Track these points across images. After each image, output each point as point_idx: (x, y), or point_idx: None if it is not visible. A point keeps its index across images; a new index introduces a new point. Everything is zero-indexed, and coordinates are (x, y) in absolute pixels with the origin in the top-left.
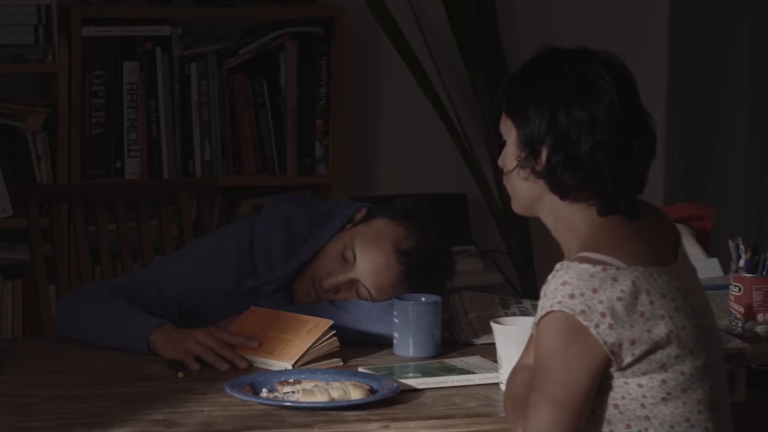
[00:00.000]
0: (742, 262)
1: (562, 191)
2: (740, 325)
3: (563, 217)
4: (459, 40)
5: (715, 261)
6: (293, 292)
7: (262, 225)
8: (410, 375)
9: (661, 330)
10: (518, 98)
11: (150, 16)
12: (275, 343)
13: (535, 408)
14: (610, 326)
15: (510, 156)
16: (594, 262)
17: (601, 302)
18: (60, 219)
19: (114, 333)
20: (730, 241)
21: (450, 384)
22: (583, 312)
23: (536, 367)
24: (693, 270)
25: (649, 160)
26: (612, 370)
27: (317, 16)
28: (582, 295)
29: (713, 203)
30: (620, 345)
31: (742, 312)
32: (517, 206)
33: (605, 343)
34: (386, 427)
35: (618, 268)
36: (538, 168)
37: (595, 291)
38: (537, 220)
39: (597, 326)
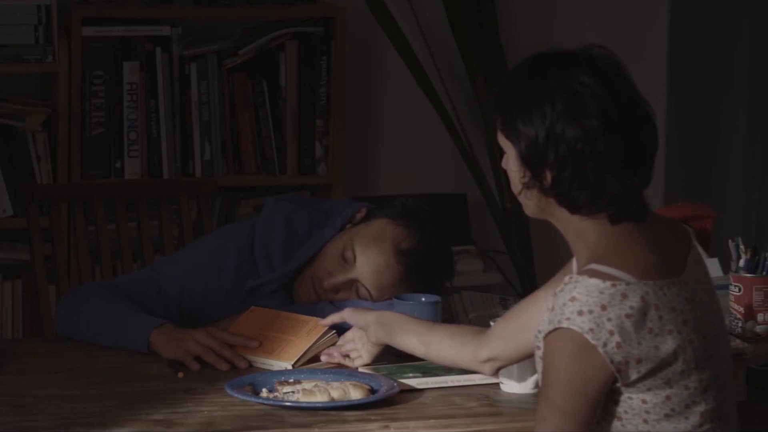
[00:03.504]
0: (742, 262)
1: (572, 208)
2: (740, 325)
3: (573, 225)
4: (459, 40)
5: (715, 261)
6: (293, 292)
7: (262, 225)
8: (410, 375)
9: (668, 346)
10: (510, 118)
11: (150, 16)
12: (275, 343)
13: (543, 419)
14: (618, 345)
15: (514, 174)
16: (604, 276)
17: (609, 320)
18: (60, 219)
19: (114, 333)
20: (730, 241)
21: (450, 384)
22: (591, 330)
23: (544, 379)
24: (705, 273)
25: (654, 155)
26: (618, 384)
27: (317, 16)
28: (591, 312)
29: (713, 203)
30: (626, 363)
31: (742, 312)
32: (529, 213)
33: (612, 361)
34: (386, 427)
35: (628, 284)
36: (545, 185)
37: (603, 308)
38: (536, 221)
39: (605, 345)
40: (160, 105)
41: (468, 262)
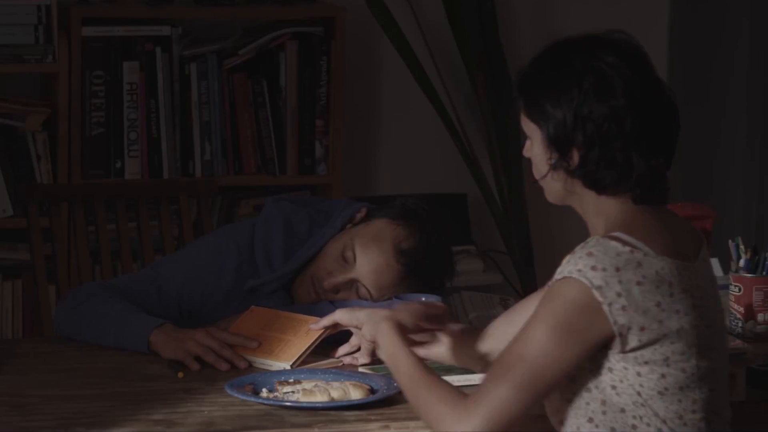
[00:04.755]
0: (742, 262)
1: (599, 188)
2: (740, 325)
3: (594, 204)
4: (459, 40)
5: (715, 261)
6: (293, 292)
7: (262, 225)
8: None
9: (673, 324)
10: (537, 100)
11: (150, 16)
12: (274, 344)
13: (520, 342)
14: (623, 308)
15: (540, 157)
16: (624, 242)
17: (620, 282)
18: (60, 219)
19: (114, 333)
20: (730, 241)
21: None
22: (600, 287)
23: (531, 318)
24: (711, 274)
25: (677, 136)
26: (614, 351)
27: (317, 16)
28: (604, 270)
29: (713, 203)
30: (629, 329)
31: (742, 312)
32: (551, 199)
33: (615, 322)
34: (386, 427)
35: (646, 254)
36: (572, 166)
37: (617, 269)
38: (536, 221)
39: (610, 304)
40: (160, 105)
41: (468, 262)
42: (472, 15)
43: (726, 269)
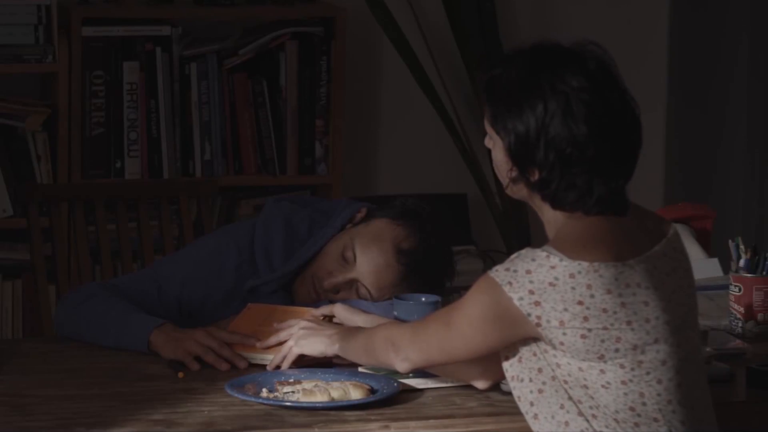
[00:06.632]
0: (742, 262)
1: (556, 206)
2: (740, 325)
3: (550, 215)
4: (459, 40)
5: (715, 261)
6: (293, 292)
7: (262, 225)
8: (410, 375)
9: (599, 322)
10: (500, 112)
11: (150, 16)
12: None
13: (429, 324)
14: (536, 303)
15: (501, 165)
16: (548, 253)
17: (531, 282)
18: (60, 219)
19: (114, 333)
20: (730, 241)
21: (450, 384)
22: (509, 283)
23: (460, 303)
24: (675, 266)
25: (639, 152)
26: (549, 346)
27: (317, 16)
28: (515, 271)
29: (713, 203)
30: (548, 321)
31: (742, 312)
32: (512, 196)
33: (529, 314)
34: (386, 427)
35: (561, 260)
36: (532, 181)
37: (528, 272)
38: (536, 221)
39: (521, 299)
40: (160, 105)
41: (468, 262)
42: (472, 15)
43: (726, 269)
